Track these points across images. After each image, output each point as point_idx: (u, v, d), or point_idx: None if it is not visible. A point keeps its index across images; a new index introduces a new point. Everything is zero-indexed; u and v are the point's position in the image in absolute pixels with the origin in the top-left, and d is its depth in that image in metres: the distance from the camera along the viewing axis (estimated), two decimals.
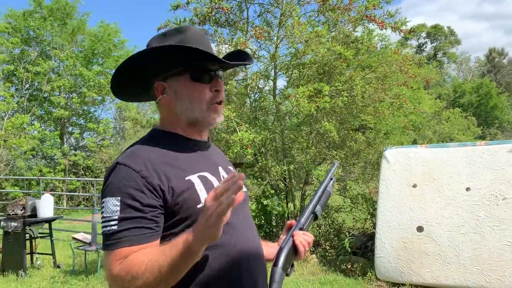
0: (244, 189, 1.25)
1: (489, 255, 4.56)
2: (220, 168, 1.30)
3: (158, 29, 6.46)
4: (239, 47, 6.02)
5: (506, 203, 4.66)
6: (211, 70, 1.23)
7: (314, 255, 6.00)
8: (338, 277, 5.31)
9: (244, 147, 5.39)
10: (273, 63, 6.47)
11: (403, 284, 4.86)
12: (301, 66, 6.32)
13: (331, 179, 1.44)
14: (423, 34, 45.52)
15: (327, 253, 6.04)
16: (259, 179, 6.92)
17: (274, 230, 6.65)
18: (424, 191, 5.11)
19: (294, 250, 1.26)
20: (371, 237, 5.79)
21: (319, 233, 6.79)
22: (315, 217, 1.35)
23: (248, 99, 6.99)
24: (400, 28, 5.92)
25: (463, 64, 47.52)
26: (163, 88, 1.23)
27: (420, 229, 4.96)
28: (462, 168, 5.01)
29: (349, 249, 5.69)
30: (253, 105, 6.76)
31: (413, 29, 6.35)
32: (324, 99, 5.57)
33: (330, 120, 6.49)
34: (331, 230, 6.82)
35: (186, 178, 1.15)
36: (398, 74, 6.57)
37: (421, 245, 4.90)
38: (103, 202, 1.09)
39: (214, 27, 6.45)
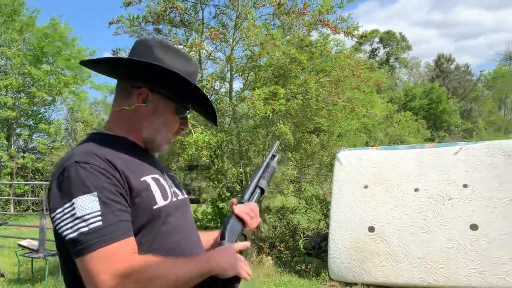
0: (185, 194, 1.31)
1: (436, 254, 4.74)
2: (165, 174, 1.29)
3: (110, 24, 6.26)
4: (194, 48, 5.97)
5: (451, 203, 4.87)
6: (188, 109, 1.29)
7: (269, 257, 6.03)
8: (292, 278, 5.35)
9: (200, 149, 5.33)
10: (229, 65, 6.45)
11: (355, 284, 4.97)
12: (257, 69, 6.34)
13: (274, 155, 1.47)
14: (376, 40, 46.97)
15: (282, 255, 6.08)
16: (215, 182, 6.87)
17: None
18: (375, 192, 5.25)
19: (240, 222, 1.27)
20: (325, 237, 5.88)
21: (274, 234, 6.83)
22: (262, 192, 1.37)
23: None
24: (352, 33, 6.07)
25: (414, 69, 49.45)
26: (145, 97, 1.21)
27: (371, 229, 5.09)
28: (411, 170, 5.20)
29: (303, 250, 5.75)
30: None
31: (365, 34, 6.53)
32: (279, 102, 5.61)
33: (286, 123, 6.55)
34: (287, 232, 6.87)
35: (142, 179, 1.13)
36: (351, 78, 6.73)
37: (372, 245, 5.03)
38: (73, 203, 1.01)
39: (168, 26, 6.34)
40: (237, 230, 1.26)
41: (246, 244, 1.24)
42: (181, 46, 6.28)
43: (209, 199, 6.42)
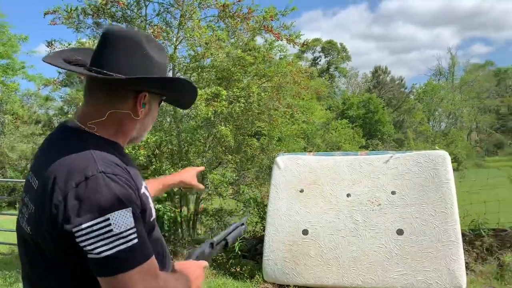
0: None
1: (365, 257, 4.97)
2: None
3: (45, 14, 5.96)
4: None
5: (380, 208, 5.13)
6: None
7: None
8: (227, 281, 5.37)
9: (137, 147, 5.22)
10: (171, 64, 6.37)
11: (288, 286, 5.08)
12: (200, 69, 6.32)
13: (243, 224, 1.67)
14: (318, 48, 48.42)
15: (218, 257, 6.08)
16: None
17: (166, 234, 6.50)
18: (310, 196, 5.41)
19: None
20: (261, 240, 5.96)
21: (211, 237, 6.81)
22: (226, 244, 1.52)
23: None
24: (294, 41, 6.23)
25: (352, 78, 51.55)
26: (143, 99, 1.18)
27: (305, 232, 5.23)
28: (344, 176, 5.41)
29: (239, 252, 5.79)
30: None
31: (306, 42, 6.73)
32: (221, 104, 5.63)
33: (227, 125, 6.58)
34: None
35: (142, 192, 1.12)
36: (292, 85, 6.90)
37: (305, 248, 5.17)
38: (108, 219, 0.96)
39: (109, 21, 6.15)
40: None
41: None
42: None
43: None
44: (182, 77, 1.38)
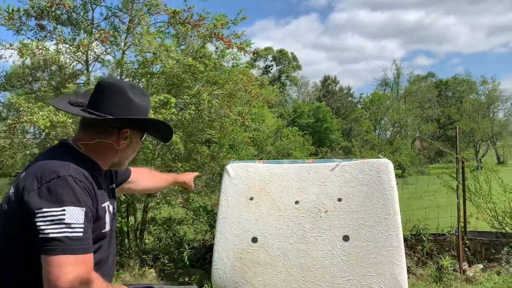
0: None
1: (312, 263, 5.05)
2: (112, 197, 1.62)
3: None
4: (81, 49, 5.65)
5: (327, 215, 5.24)
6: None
7: (152, 269, 5.87)
8: None
9: None
10: (119, 69, 6.21)
11: None
12: (149, 75, 6.21)
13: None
14: (270, 57, 49.03)
15: (165, 267, 5.97)
16: None
17: None
18: (260, 203, 5.43)
19: None
20: (210, 249, 5.91)
21: (159, 246, 6.68)
22: None
23: None
24: (245, 49, 6.27)
25: (303, 87, 52.61)
26: (125, 134, 1.50)
27: (254, 240, 5.24)
28: (293, 183, 5.48)
29: (187, 261, 5.72)
30: None
31: (257, 51, 6.80)
32: (170, 111, 5.55)
33: (177, 132, 6.49)
34: (172, 243, 6.77)
35: (102, 205, 1.41)
36: (243, 93, 6.93)
37: (254, 256, 5.17)
38: (64, 210, 1.20)
39: (53, 23, 5.92)
40: None
41: None
42: (67, 46, 5.90)
43: None
44: (157, 119, 1.62)
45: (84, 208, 1.25)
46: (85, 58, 6.07)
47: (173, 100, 5.40)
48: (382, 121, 44.67)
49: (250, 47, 6.29)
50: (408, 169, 30.72)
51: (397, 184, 5.48)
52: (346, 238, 5.10)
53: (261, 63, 48.39)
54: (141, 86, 6.71)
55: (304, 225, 5.23)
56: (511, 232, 5.87)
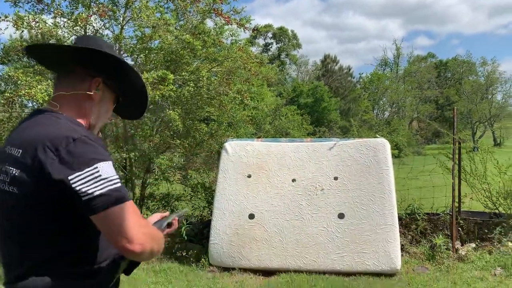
0: None
1: (308, 239, 5.15)
2: None
3: None
4: (79, 23, 5.59)
5: (323, 193, 5.32)
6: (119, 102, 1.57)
7: None
8: (172, 265, 5.37)
9: None
10: (117, 44, 6.16)
11: (233, 268, 5.17)
12: (147, 51, 6.16)
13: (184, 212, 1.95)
14: (270, 35, 48.47)
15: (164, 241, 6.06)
16: None
17: None
18: (257, 181, 5.50)
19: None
20: (208, 224, 6.00)
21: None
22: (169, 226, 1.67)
23: None
24: (245, 26, 6.22)
25: (302, 66, 52.17)
26: (97, 85, 1.42)
27: (251, 216, 5.33)
28: (291, 161, 5.54)
29: (185, 236, 5.80)
30: None
31: (257, 27, 6.75)
32: (169, 87, 5.53)
33: (176, 109, 6.49)
34: None
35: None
36: (242, 71, 6.90)
37: (251, 232, 5.27)
38: (96, 167, 1.20)
39: None
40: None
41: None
42: (65, 19, 5.84)
43: None
44: (128, 64, 1.56)
45: (110, 161, 1.25)
46: (83, 33, 6.00)
47: (171, 76, 5.38)
48: (381, 102, 44.53)
49: (250, 24, 6.24)
50: (405, 150, 30.82)
51: (393, 164, 5.55)
52: (341, 216, 5.19)
53: (260, 41, 47.89)
54: (139, 61, 6.68)
55: (300, 202, 5.32)
56: (504, 213, 5.95)
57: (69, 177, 1.18)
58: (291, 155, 5.54)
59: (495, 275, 4.80)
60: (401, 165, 11.63)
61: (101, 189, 1.18)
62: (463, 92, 46.62)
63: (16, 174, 1.25)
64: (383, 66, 50.64)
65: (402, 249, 5.30)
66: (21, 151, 1.27)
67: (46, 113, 1.36)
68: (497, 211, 6.02)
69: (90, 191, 1.17)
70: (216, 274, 5.08)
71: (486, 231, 5.78)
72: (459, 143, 6.02)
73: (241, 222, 5.32)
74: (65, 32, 5.95)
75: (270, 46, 49.76)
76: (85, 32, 5.96)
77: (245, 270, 5.14)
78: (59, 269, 1.26)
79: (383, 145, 5.40)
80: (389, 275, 4.87)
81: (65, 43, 5.94)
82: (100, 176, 1.19)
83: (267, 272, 5.07)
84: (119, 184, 1.22)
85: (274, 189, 5.41)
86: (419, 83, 46.67)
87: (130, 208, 1.23)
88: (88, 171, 1.19)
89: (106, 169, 1.21)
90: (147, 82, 5.27)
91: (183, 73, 6.41)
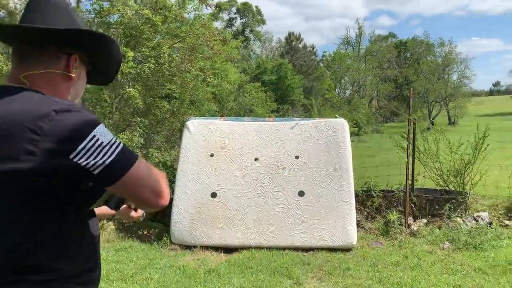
0: None
1: (269, 217, 5.27)
2: None
3: None
4: None
5: (284, 172, 5.43)
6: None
7: (111, 222, 5.92)
8: (134, 243, 5.37)
9: None
10: None
11: (195, 246, 5.23)
12: (106, 26, 5.97)
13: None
14: (234, 10, 47.77)
15: (124, 220, 6.03)
16: None
17: None
18: (220, 160, 5.53)
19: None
20: (169, 203, 6.01)
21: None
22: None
23: None
24: (207, 2, 6.12)
25: (267, 43, 51.90)
26: (74, 62, 1.27)
27: (213, 195, 5.38)
28: (253, 141, 5.60)
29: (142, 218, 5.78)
30: None
31: (219, 4, 6.65)
32: (128, 65, 5.41)
33: (136, 86, 6.36)
34: None
35: None
36: (204, 48, 6.82)
37: (213, 210, 5.33)
38: (94, 136, 1.09)
39: None
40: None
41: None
42: None
43: None
44: (107, 35, 1.40)
45: (101, 123, 1.14)
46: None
47: (131, 53, 5.26)
48: (343, 80, 45.20)
49: (212, 0, 6.14)
50: (364, 127, 31.63)
51: (352, 141, 5.72)
52: (301, 194, 5.33)
53: (224, 15, 47.15)
54: None
55: (262, 181, 5.41)
56: (454, 190, 6.28)
57: (71, 155, 1.07)
58: (253, 134, 5.59)
59: (443, 248, 5.10)
60: (359, 143, 11.96)
61: (110, 155, 1.10)
62: (421, 71, 47.96)
63: None
64: (346, 45, 51.21)
65: (358, 225, 5.53)
66: None
67: (14, 89, 1.17)
68: (447, 188, 6.35)
69: (100, 161, 1.08)
70: (178, 252, 5.13)
71: (437, 207, 6.09)
72: (414, 124, 6.26)
73: (203, 201, 5.36)
74: (17, 3, 5.67)
75: (234, 21, 49.09)
76: None
77: (206, 247, 5.21)
78: (33, 271, 1.17)
79: (342, 125, 5.54)
80: (346, 250, 5.08)
81: (18, 16, 5.66)
82: (102, 143, 1.09)
83: (229, 249, 5.16)
84: (121, 145, 1.13)
85: (236, 168, 5.46)
86: (380, 62, 47.61)
87: (143, 164, 1.17)
88: (88, 142, 1.08)
89: (103, 133, 1.11)
90: None
91: (144, 49, 6.27)
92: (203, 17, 7.06)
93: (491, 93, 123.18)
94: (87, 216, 1.32)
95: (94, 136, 1.09)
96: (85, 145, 1.08)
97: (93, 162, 1.08)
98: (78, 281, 1.24)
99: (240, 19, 49.48)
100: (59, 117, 1.08)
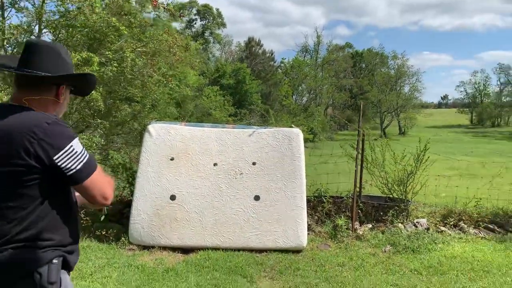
0: None
1: (226, 219, 5.53)
2: None
3: None
4: None
5: (242, 177, 5.71)
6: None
7: None
8: (91, 243, 5.46)
9: None
10: (36, 20, 5.95)
11: (153, 247, 5.40)
12: (71, 29, 6.03)
13: None
14: (194, 11, 47.63)
15: (82, 221, 6.08)
16: None
17: None
18: (180, 164, 5.73)
19: None
20: (128, 204, 6.13)
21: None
22: None
23: (4, 52, 6.20)
24: (172, 11, 6.31)
25: (226, 46, 52.11)
26: (63, 90, 1.72)
27: (173, 197, 5.57)
28: (213, 146, 5.84)
29: (104, 215, 5.88)
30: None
31: (184, 14, 6.86)
32: (91, 68, 5.51)
33: (98, 88, 6.44)
34: None
35: None
36: (166, 54, 6.99)
37: (172, 212, 5.52)
38: (71, 146, 1.55)
39: None
40: None
41: None
42: None
43: None
44: (90, 73, 1.80)
45: (77, 138, 1.58)
46: None
47: (96, 59, 5.38)
48: (300, 88, 46.19)
49: (179, 12, 6.34)
50: (319, 134, 32.55)
51: (307, 148, 6.08)
52: (257, 198, 5.65)
53: (185, 18, 46.90)
54: (61, 37, 6.50)
55: (220, 185, 5.68)
56: (397, 197, 6.80)
57: (54, 157, 1.51)
58: (213, 140, 5.84)
59: (385, 251, 5.55)
60: (313, 150, 12.45)
61: (79, 163, 1.55)
62: (375, 82, 49.87)
63: None
64: (304, 53, 52.40)
65: (308, 229, 5.90)
66: None
67: (11, 107, 1.61)
68: (391, 196, 6.86)
69: (72, 167, 1.53)
70: (136, 252, 5.28)
71: (381, 213, 6.58)
72: (363, 135, 6.73)
73: (163, 203, 5.55)
74: None
75: (194, 23, 48.97)
76: (2, 3, 5.69)
77: (164, 248, 5.39)
78: (30, 239, 1.57)
79: (297, 134, 5.90)
80: (296, 251, 5.42)
81: None
82: (76, 153, 1.54)
83: (186, 250, 5.37)
84: (88, 156, 1.59)
85: (196, 172, 5.68)
86: (336, 71, 49.06)
87: (100, 172, 1.63)
88: (66, 150, 1.52)
89: (77, 145, 1.56)
90: None
91: (107, 52, 6.37)
92: (164, 21, 7.22)
93: (439, 105, 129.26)
94: (72, 199, 1.72)
95: (71, 146, 1.54)
96: (64, 152, 1.53)
97: (68, 166, 1.54)
98: (65, 249, 1.67)
99: (200, 21, 49.42)
100: (50, 127, 1.52)
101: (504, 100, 61.31)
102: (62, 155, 1.52)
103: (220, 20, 49.72)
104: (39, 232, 1.58)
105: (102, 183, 1.64)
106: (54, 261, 1.60)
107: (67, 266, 1.68)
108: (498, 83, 65.80)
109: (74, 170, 1.54)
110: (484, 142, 35.79)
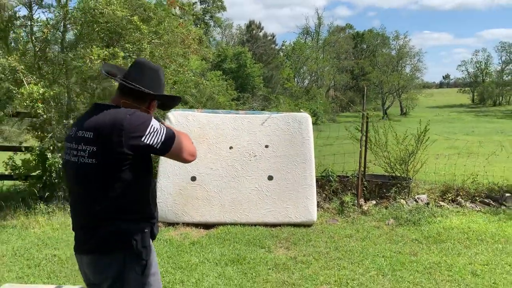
0: None
1: (242, 198, 6.05)
2: None
3: None
4: None
5: (255, 159, 6.21)
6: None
7: None
8: None
9: (35, 101, 5.33)
10: (62, 15, 6.35)
11: (177, 223, 5.94)
12: (95, 25, 6.43)
13: None
14: None
15: None
16: (38, 131, 6.79)
17: (55, 181, 6.66)
18: (198, 148, 6.19)
19: None
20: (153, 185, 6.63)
21: None
22: None
23: (33, 47, 6.63)
24: (186, 10, 6.69)
25: (227, 29, 52.01)
26: (154, 105, 2.13)
27: (193, 178, 6.09)
28: (228, 131, 6.33)
29: None
30: (38, 55, 6.49)
31: (196, 14, 7.22)
32: (116, 61, 5.95)
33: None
34: None
35: None
36: (180, 45, 7.38)
37: (193, 192, 6.05)
38: (152, 125, 1.87)
39: None
40: None
41: None
42: None
43: (36, 148, 6.37)
44: (179, 96, 2.23)
45: (153, 118, 1.93)
46: (27, 1, 6.11)
47: (121, 54, 5.80)
48: (301, 70, 46.35)
49: (192, 9, 6.72)
50: (321, 117, 32.93)
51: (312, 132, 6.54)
52: (270, 178, 6.17)
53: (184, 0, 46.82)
54: (83, 32, 6.92)
55: (236, 166, 6.20)
56: (399, 175, 7.29)
57: (142, 139, 1.85)
58: (229, 126, 6.32)
59: (388, 224, 6.07)
60: (318, 132, 12.91)
61: (162, 136, 1.88)
62: (376, 63, 49.81)
63: (94, 150, 1.87)
64: (305, 35, 52.35)
65: (318, 205, 6.42)
66: (92, 133, 1.87)
67: (112, 107, 1.96)
68: (394, 174, 7.35)
69: (158, 141, 1.87)
70: (162, 228, 5.82)
71: (384, 190, 7.08)
72: (367, 118, 7.20)
73: (184, 184, 6.07)
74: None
75: (194, 6, 48.82)
76: (30, 0, 6.09)
77: (187, 224, 5.93)
78: (127, 214, 1.96)
79: (306, 118, 6.38)
80: (307, 225, 5.96)
81: (7, 11, 6.05)
82: (157, 129, 1.88)
83: (207, 226, 5.91)
84: (165, 127, 1.93)
85: (213, 155, 6.19)
86: (337, 53, 49.07)
87: (179, 136, 1.96)
88: (149, 130, 1.86)
89: (156, 122, 1.90)
90: (98, 58, 5.67)
91: (127, 45, 6.79)
92: (181, 19, 7.54)
93: (441, 85, 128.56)
94: (153, 181, 2.13)
95: (152, 125, 1.87)
96: (148, 132, 1.86)
97: (155, 141, 1.87)
98: (151, 221, 2.06)
99: (200, 4, 49.25)
100: (131, 117, 1.86)
101: (506, 79, 61.29)
102: (147, 135, 1.85)
103: (220, 3, 49.53)
104: (133, 208, 1.97)
105: (185, 144, 1.98)
106: (146, 230, 1.99)
107: (152, 235, 2.07)
108: (500, 61, 65.65)
109: (160, 143, 1.88)
110: (485, 121, 36.15)
